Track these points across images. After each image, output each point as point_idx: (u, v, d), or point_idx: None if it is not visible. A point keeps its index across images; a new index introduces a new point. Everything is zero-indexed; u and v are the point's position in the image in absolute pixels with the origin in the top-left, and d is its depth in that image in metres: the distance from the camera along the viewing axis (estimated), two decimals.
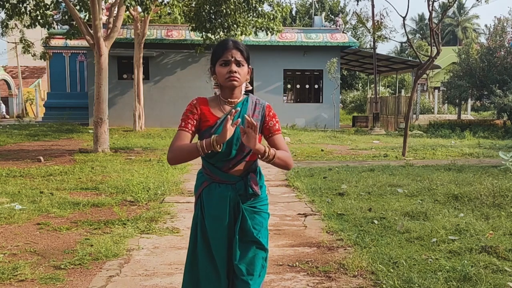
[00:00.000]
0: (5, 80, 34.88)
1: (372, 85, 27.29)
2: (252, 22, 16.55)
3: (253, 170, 2.39)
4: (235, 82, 2.29)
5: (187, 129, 2.32)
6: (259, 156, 2.25)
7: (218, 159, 2.32)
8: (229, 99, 2.36)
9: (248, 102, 2.37)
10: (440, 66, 28.05)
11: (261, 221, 2.40)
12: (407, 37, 13.16)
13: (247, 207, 2.36)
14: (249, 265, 2.33)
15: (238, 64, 2.29)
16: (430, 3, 11.93)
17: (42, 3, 12.75)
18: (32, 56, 20.70)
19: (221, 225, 2.34)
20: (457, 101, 22.52)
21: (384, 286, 3.56)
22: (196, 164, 11.19)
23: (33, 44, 19.86)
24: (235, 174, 2.34)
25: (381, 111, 25.01)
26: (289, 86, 26.15)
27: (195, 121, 2.34)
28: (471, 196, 6.39)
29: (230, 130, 2.15)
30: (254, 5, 14.91)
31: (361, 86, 38.13)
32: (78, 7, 14.67)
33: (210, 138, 2.20)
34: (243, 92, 2.41)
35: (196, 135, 2.39)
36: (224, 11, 15.36)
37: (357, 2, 68.82)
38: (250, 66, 2.38)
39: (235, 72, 2.27)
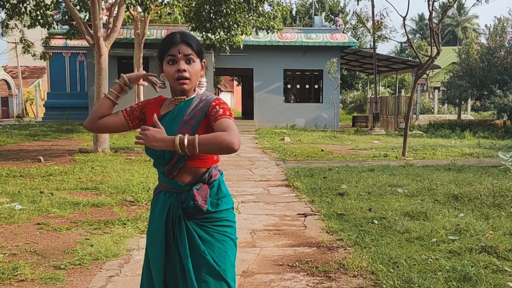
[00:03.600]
0: (5, 80, 34.87)
1: (372, 85, 27.29)
2: (253, 21, 16.55)
3: (206, 181, 2.05)
4: (185, 86, 2.04)
5: (123, 109, 2.19)
6: (182, 151, 1.88)
7: (158, 163, 2.08)
8: (175, 97, 2.10)
9: (194, 99, 2.08)
10: (440, 66, 28.06)
11: (215, 245, 2.03)
12: (407, 37, 13.15)
13: (194, 224, 2.03)
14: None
15: (188, 61, 2.04)
16: (430, 3, 11.93)
17: (42, 3, 12.75)
18: (32, 56, 20.70)
19: (157, 239, 2.06)
20: (457, 101, 22.53)
21: (384, 286, 3.56)
22: None
23: (33, 44, 19.85)
24: (181, 182, 2.04)
25: (381, 111, 25.01)
26: (289, 86, 26.15)
27: (136, 106, 2.20)
28: (471, 196, 6.39)
29: (138, 75, 2.09)
30: (254, 4, 14.91)
31: (361, 86, 38.13)
32: (78, 7, 14.66)
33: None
34: (198, 88, 2.15)
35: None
36: (224, 11, 15.36)
37: (357, 2, 68.79)
38: (204, 61, 2.14)
39: (184, 71, 2.02)
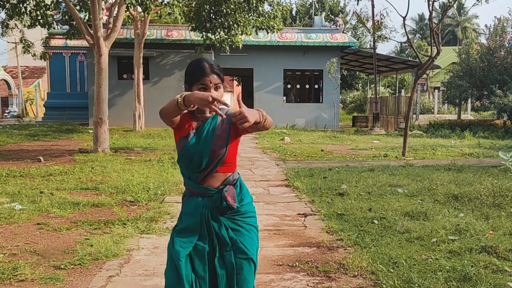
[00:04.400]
0: (5, 80, 34.89)
1: (372, 85, 27.29)
2: (252, 21, 16.56)
3: (231, 183, 2.40)
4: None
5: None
6: (256, 123, 2.20)
7: (191, 171, 2.39)
8: (202, 115, 2.39)
9: (217, 115, 2.37)
10: (440, 66, 28.07)
11: (244, 233, 2.40)
12: (407, 37, 13.15)
13: (225, 218, 2.38)
14: (232, 277, 2.34)
15: (216, 88, 2.34)
16: (430, 3, 11.93)
17: (42, 3, 12.75)
18: (32, 56, 20.71)
19: (193, 233, 2.36)
20: (457, 101, 22.53)
21: (384, 286, 3.56)
22: None
23: (33, 44, 19.86)
24: (211, 186, 2.38)
25: (381, 111, 25.02)
26: (289, 86, 26.17)
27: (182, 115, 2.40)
28: (471, 196, 6.39)
29: (204, 97, 2.11)
30: (254, 4, 14.91)
31: (361, 86, 38.14)
32: (78, 7, 14.67)
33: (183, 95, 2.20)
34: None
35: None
36: (224, 11, 15.37)
37: (357, 2, 68.86)
38: (224, 83, 2.44)
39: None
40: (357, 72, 34.36)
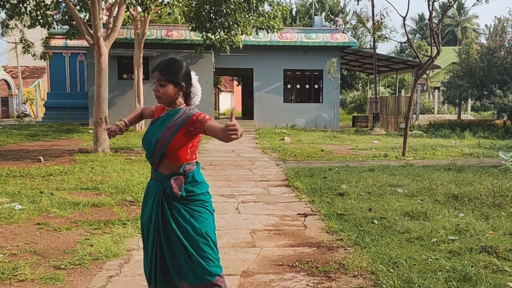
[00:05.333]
0: (5, 80, 34.88)
1: (372, 85, 27.30)
2: (252, 21, 16.55)
3: (182, 173, 2.68)
4: (158, 100, 2.76)
5: (152, 109, 3.01)
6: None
7: (147, 156, 2.76)
8: (166, 108, 2.80)
9: (179, 110, 2.72)
10: (440, 66, 28.06)
11: (195, 215, 2.68)
12: (407, 37, 13.15)
13: (180, 203, 2.67)
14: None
15: (159, 84, 2.70)
16: (430, 3, 11.93)
17: (42, 3, 12.75)
18: (32, 56, 20.69)
19: (147, 214, 2.72)
20: (457, 101, 22.52)
21: (384, 286, 3.56)
22: None
23: (33, 44, 19.85)
24: (163, 173, 2.69)
25: (381, 111, 25.02)
26: (289, 86, 26.17)
27: (154, 108, 2.97)
28: (471, 196, 6.39)
29: (107, 131, 2.89)
30: (254, 4, 14.91)
31: (361, 86, 38.13)
32: (78, 7, 14.67)
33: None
34: (184, 103, 2.78)
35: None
36: (224, 11, 15.36)
37: (357, 2, 68.90)
38: (182, 83, 2.72)
39: (156, 90, 2.71)
40: (357, 72, 34.36)
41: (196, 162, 2.78)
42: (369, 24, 18.46)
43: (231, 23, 15.84)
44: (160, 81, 2.69)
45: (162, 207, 2.67)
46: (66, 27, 18.61)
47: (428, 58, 11.89)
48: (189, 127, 2.63)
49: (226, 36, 17.37)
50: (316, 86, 25.06)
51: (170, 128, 2.66)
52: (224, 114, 41.59)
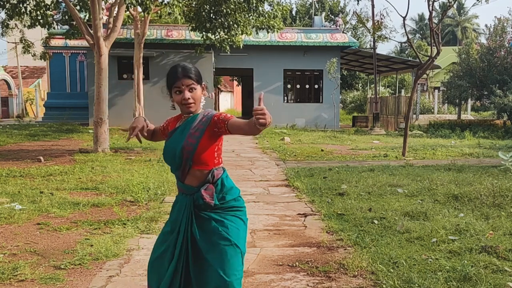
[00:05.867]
0: (5, 80, 34.89)
1: (372, 85, 27.29)
2: (253, 21, 16.55)
3: (211, 181, 2.53)
4: (191, 109, 2.56)
5: (160, 125, 2.85)
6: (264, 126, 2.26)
7: (172, 169, 2.60)
8: (183, 115, 2.64)
9: (198, 115, 2.58)
10: (440, 66, 28.06)
11: (227, 223, 2.50)
12: (407, 37, 13.15)
13: (210, 212, 2.50)
14: (216, 256, 2.45)
15: (191, 89, 2.54)
16: (430, 3, 11.93)
17: (42, 3, 12.75)
18: (32, 56, 20.69)
19: (175, 228, 2.54)
20: (457, 101, 22.53)
21: (384, 286, 3.56)
22: None
23: (33, 44, 19.85)
24: (192, 185, 2.54)
25: (381, 111, 25.01)
26: (289, 86, 26.16)
27: (164, 124, 2.80)
28: (471, 196, 6.39)
29: (131, 130, 2.65)
30: (254, 4, 14.91)
31: (361, 86, 38.13)
32: (78, 7, 14.66)
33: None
34: (202, 104, 2.66)
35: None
36: (224, 11, 15.36)
37: (357, 2, 68.92)
38: (204, 83, 2.63)
39: (189, 98, 2.53)
40: (357, 72, 34.35)
41: (222, 166, 2.64)
42: (369, 24, 18.47)
43: (231, 23, 15.84)
44: (191, 86, 2.54)
45: (191, 221, 2.51)
46: (66, 27, 18.61)
47: (428, 58, 11.89)
48: (212, 128, 2.50)
49: (226, 36, 17.37)
50: (316, 86, 25.06)
51: (193, 134, 2.52)
52: None
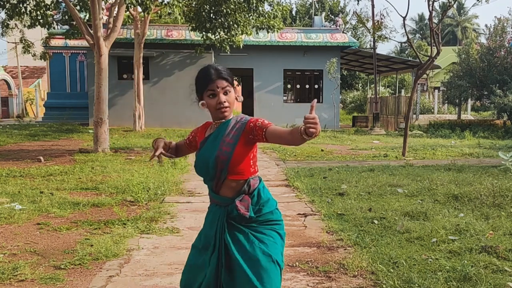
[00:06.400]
0: (5, 80, 34.89)
1: (372, 85, 27.29)
2: (253, 21, 16.56)
3: (246, 192, 2.36)
4: (225, 113, 2.37)
5: (185, 139, 2.67)
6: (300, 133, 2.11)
7: (206, 180, 2.43)
8: (215, 121, 2.43)
9: (230, 121, 2.39)
10: (440, 66, 28.06)
11: (264, 238, 2.33)
12: (407, 37, 13.15)
13: (245, 226, 2.35)
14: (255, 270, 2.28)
15: (225, 92, 2.35)
16: (430, 3, 11.93)
17: (42, 3, 12.75)
18: (32, 56, 20.71)
19: (209, 246, 2.37)
20: (457, 101, 22.53)
21: (384, 286, 3.56)
22: None
23: (33, 44, 19.85)
24: (226, 196, 2.37)
25: (381, 111, 25.01)
26: (289, 86, 26.15)
27: (191, 137, 2.61)
28: (471, 196, 6.39)
29: (156, 151, 2.48)
30: (254, 4, 14.91)
31: (361, 86, 38.13)
32: (78, 7, 14.67)
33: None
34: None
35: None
36: (224, 11, 15.36)
37: (357, 2, 68.91)
38: (236, 84, 2.44)
39: (225, 101, 2.34)
40: (357, 72, 34.36)
41: (258, 176, 2.46)
42: (369, 24, 18.47)
43: (231, 23, 15.84)
44: (226, 88, 2.35)
45: (225, 235, 2.33)
46: (66, 27, 18.62)
47: (428, 58, 11.89)
48: (247, 135, 2.32)
49: (226, 36, 17.37)
50: (316, 86, 25.06)
51: (227, 141, 2.33)
52: None
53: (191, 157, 11.89)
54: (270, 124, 2.29)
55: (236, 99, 2.41)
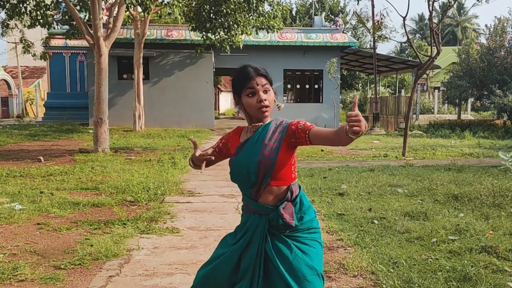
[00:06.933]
0: (5, 80, 34.89)
1: (372, 85, 27.29)
2: (253, 21, 16.56)
3: (289, 199, 2.24)
4: (266, 113, 2.24)
5: (213, 147, 2.45)
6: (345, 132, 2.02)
7: (244, 186, 2.29)
8: (252, 124, 2.30)
9: (270, 124, 2.27)
10: (440, 66, 28.07)
11: (307, 249, 2.22)
12: (407, 37, 13.15)
13: (287, 236, 2.23)
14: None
15: (265, 91, 2.23)
16: (430, 3, 11.93)
17: (42, 3, 12.75)
18: (32, 56, 20.71)
19: (252, 251, 2.23)
20: (457, 101, 22.54)
21: (384, 286, 3.56)
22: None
23: (33, 44, 19.85)
24: (267, 204, 2.23)
25: (381, 111, 25.01)
26: (289, 86, 26.14)
27: (221, 144, 2.43)
28: (471, 196, 6.39)
29: (198, 158, 2.28)
30: (254, 4, 14.91)
31: (361, 86, 38.14)
32: (78, 7, 14.67)
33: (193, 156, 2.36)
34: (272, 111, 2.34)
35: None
36: (224, 11, 15.37)
37: (357, 2, 68.91)
38: (273, 88, 2.32)
39: (265, 100, 2.21)
40: (357, 72, 34.36)
41: (298, 182, 2.34)
42: (369, 24, 18.45)
43: (231, 23, 15.85)
44: (265, 86, 2.23)
45: (266, 244, 2.20)
46: (66, 27, 18.62)
47: (428, 58, 11.89)
48: (290, 139, 2.21)
49: (226, 36, 17.37)
50: (316, 86, 25.06)
51: (269, 146, 2.20)
52: (224, 114, 41.62)
53: None
54: (312, 125, 2.20)
55: (277, 104, 2.29)
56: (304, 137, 2.16)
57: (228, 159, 2.38)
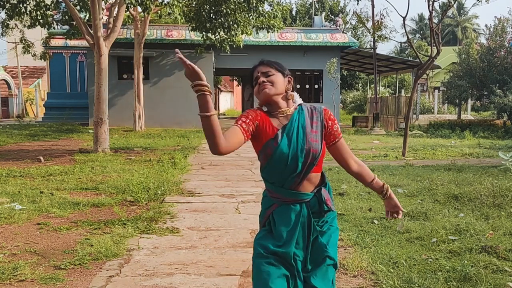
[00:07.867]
0: (5, 80, 34.89)
1: (372, 85, 27.29)
2: (253, 21, 16.57)
3: (324, 184, 2.28)
4: (266, 90, 2.19)
5: (237, 124, 2.15)
6: (377, 191, 2.35)
7: (286, 177, 2.17)
8: (279, 110, 2.22)
9: (303, 110, 2.23)
10: (440, 66, 28.06)
11: (330, 237, 2.23)
12: (407, 37, 13.15)
13: (319, 224, 2.23)
14: (322, 280, 2.16)
15: (266, 75, 2.25)
16: (430, 3, 11.93)
17: (42, 3, 12.76)
18: (32, 56, 20.72)
19: (291, 245, 2.16)
20: (457, 101, 22.53)
21: (384, 286, 3.56)
22: (196, 164, 11.02)
23: (33, 44, 19.87)
24: (306, 191, 2.20)
25: (381, 111, 25.01)
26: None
27: (249, 120, 2.17)
28: (471, 196, 6.38)
29: (188, 68, 1.99)
30: (254, 4, 14.92)
31: (361, 86, 38.14)
32: (78, 7, 14.67)
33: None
34: (295, 101, 2.29)
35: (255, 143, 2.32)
36: (224, 11, 15.37)
37: (357, 2, 68.95)
38: (289, 76, 2.32)
39: (263, 81, 2.22)
40: (357, 72, 34.36)
41: None
42: (369, 24, 18.48)
43: (231, 23, 15.85)
44: (268, 72, 2.27)
45: (310, 231, 2.18)
46: (66, 27, 18.62)
47: (428, 58, 11.88)
48: (330, 125, 2.25)
49: (226, 36, 17.38)
50: (316, 86, 25.05)
51: (313, 133, 2.19)
52: (224, 114, 41.58)
53: (191, 157, 11.78)
54: (340, 134, 2.26)
55: (287, 91, 2.23)
56: (329, 142, 2.26)
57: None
